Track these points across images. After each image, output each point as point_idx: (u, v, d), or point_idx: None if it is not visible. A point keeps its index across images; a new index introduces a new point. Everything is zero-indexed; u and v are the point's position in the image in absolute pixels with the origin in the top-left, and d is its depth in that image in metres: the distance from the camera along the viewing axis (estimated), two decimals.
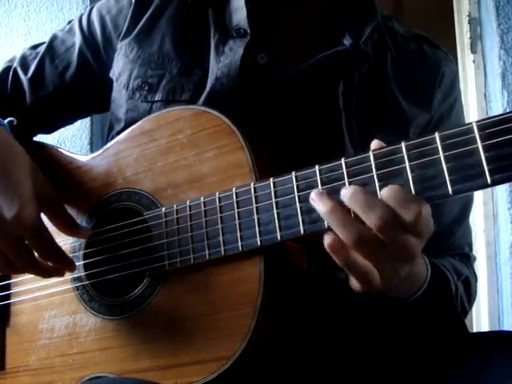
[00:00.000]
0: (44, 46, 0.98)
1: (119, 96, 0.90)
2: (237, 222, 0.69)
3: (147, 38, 0.89)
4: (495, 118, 0.56)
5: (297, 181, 0.66)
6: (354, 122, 0.81)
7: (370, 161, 0.61)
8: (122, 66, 0.89)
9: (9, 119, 0.86)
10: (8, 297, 0.88)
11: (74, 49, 0.95)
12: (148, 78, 0.86)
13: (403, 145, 0.60)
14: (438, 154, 0.58)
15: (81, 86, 0.96)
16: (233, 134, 0.72)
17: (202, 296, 0.70)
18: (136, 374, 0.72)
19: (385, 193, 0.59)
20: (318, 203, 0.61)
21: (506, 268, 1.82)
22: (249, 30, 0.83)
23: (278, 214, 0.66)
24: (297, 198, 0.65)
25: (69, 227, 0.80)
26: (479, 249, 1.88)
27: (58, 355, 0.80)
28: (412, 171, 0.59)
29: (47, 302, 0.83)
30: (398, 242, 0.59)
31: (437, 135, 0.58)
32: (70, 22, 1.00)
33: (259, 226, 0.67)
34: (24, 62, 0.98)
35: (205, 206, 0.71)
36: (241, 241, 0.68)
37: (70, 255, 0.82)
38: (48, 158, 0.89)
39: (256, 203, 0.68)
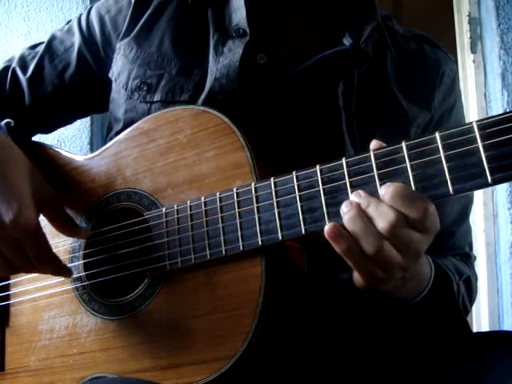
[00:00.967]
0: (43, 46, 0.98)
1: (118, 96, 0.90)
2: (238, 221, 0.69)
3: (146, 38, 0.89)
4: (495, 117, 0.56)
5: (298, 180, 0.66)
6: (354, 122, 0.81)
7: (370, 160, 0.62)
8: (121, 66, 0.89)
9: (6, 121, 0.86)
10: (7, 297, 0.88)
11: (73, 49, 0.95)
12: (147, 78, 0.86)
13: (404, 144, 0.60)
14: (439, 153, 0.58)
15: (80, 86, 0.95)
16: (233, 134, 0.72)
17: (202, 296, 0.70)
18: (137, 374, 0.72)
19: (389, 192, 0.59)
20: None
21: (505, 268, 1.82)
22: (248, 30, 0.83)
23: (278, 213, 0.66)
24: (298, 197, 0.65)
25: (68, 228, 0.80)
26: (479, 249, 1.88)
27: (58, 356, 0.80)
28: (413, 170, 0.59)
29: (47, 302, 0.83)
30: (406, 240, 0.60)
31: (437, 135, 0.59)
32: (68, 22, 1.00)
33: (260, 226, 0.67)
34: (23, 62, 0.97)
35: (205, 206, 0.71)
36: (242, 240, 0.68)
37: (70, 255, 0.82)
38: (47, 159, 0.89)
39: (257, 203, 0.68)
